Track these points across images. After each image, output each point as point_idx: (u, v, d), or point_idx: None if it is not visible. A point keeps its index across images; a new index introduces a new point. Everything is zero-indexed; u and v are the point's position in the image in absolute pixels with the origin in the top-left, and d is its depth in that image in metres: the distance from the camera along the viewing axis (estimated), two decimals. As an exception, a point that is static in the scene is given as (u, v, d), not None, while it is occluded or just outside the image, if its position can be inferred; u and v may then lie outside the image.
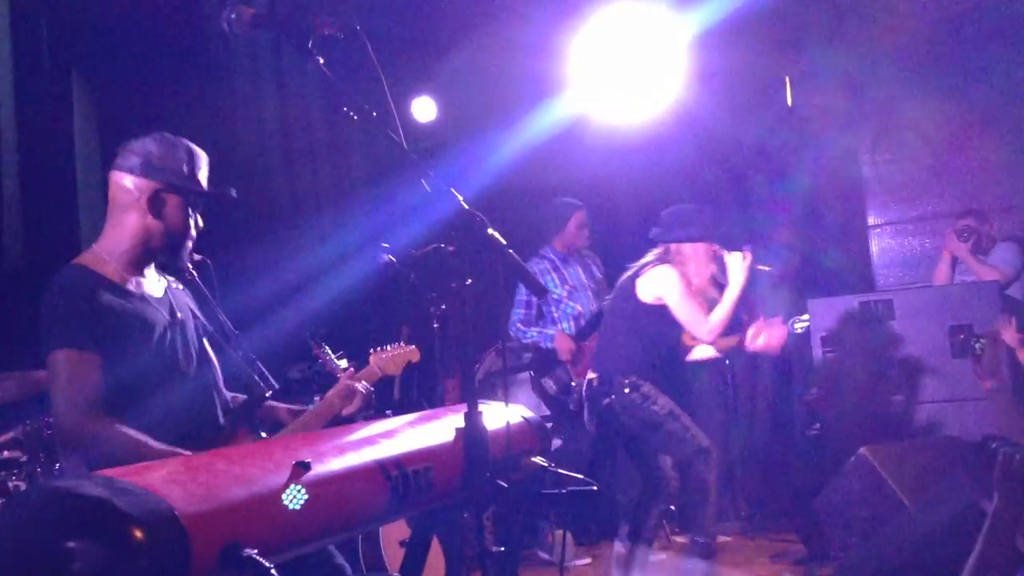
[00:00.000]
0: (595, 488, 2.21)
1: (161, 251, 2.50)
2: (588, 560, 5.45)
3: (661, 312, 4.28)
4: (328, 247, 6.46)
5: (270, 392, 2.66)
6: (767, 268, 4.54)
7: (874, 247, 6.33)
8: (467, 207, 2.12)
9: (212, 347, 2.67)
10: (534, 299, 5.68)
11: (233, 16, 2.20)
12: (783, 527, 5.66)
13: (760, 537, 5.64)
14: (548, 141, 6.25)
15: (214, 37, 5.86)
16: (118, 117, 5.23)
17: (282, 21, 2.25)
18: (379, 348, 3.49)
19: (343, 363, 4.64)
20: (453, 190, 2.12)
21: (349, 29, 2.22)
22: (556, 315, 5.65)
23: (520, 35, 6.18)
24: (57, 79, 5.14)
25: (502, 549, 2.15)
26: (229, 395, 2.69)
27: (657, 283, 4.30)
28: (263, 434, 2.59)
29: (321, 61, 2.21)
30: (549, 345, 5.59)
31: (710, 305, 4.34)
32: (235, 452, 1.94)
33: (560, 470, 2.24)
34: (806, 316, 5.52)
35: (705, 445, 4.19)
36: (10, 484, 4.08)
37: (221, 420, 2.56)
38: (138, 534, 1.41)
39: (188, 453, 2.25)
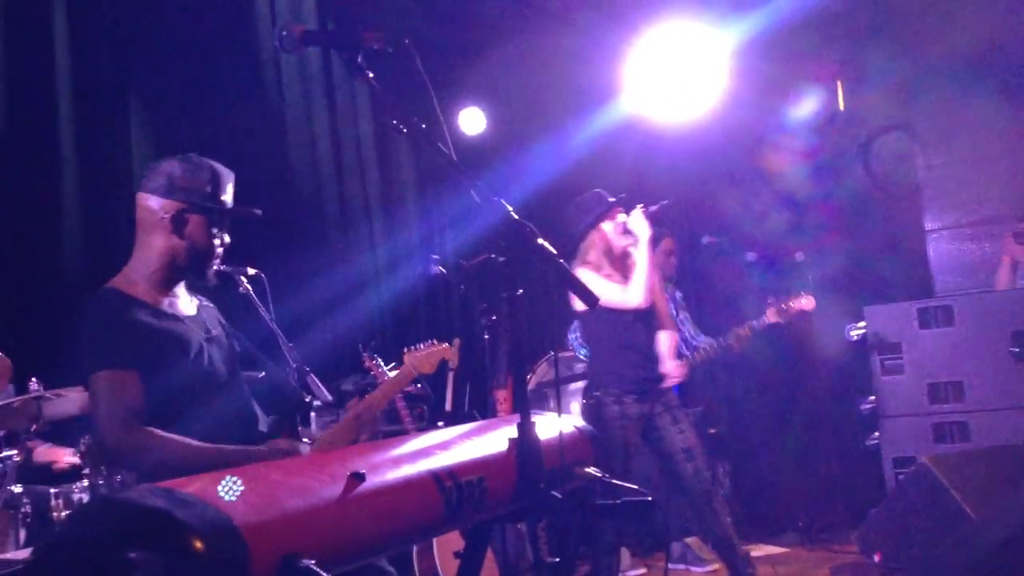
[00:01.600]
0: (649, 499, 2.19)
1: (186, 269, 2.56)
2: (643, 571, 5.42)
3: (599, 312, 4.16)
4: (378, 257, 6.52)
5: (309, 399, 2.71)
6: (656, 207, 4.30)
7: (931, 252, 6.21)
8: (516, 217, 2.12)
9: (255, 360, 2.71)
10: None
11: (284, 33, 2.23)
12: (842, 539, 5.57)
13: (819, 548, 5.56)
14: (595, 149, 6.25)
15: (266, 54, 5.95)
16: (174, 135, 5.33)
17: (331, 37, 2.28)
18: (412, 347, 3.50)
19: (394, 373, 4.67)
20: (502, 200, 2.13)
21: (398, 43, 2.24)
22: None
23: (567, 44, 6.19)
24: (114, 99, 5.26)
25: (556, 560, 2.14)
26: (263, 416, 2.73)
27: (589, 291, 4.22)
28: (305, 440, 2.62)
29: (370, 75, 2.23)
30: None
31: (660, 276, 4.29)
32: (291, 463, 1.96)
33: (614, 480, 2.22)
34: (862, 323, 5.43)
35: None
36: (74, 496, 4.17)
37: (259, 435, 2.59)
38: (198, 545, 1.42)
39: (231, 447, 2.33)
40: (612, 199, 4.25)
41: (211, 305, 2.73)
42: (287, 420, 2.64)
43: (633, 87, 6.12)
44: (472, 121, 6.58)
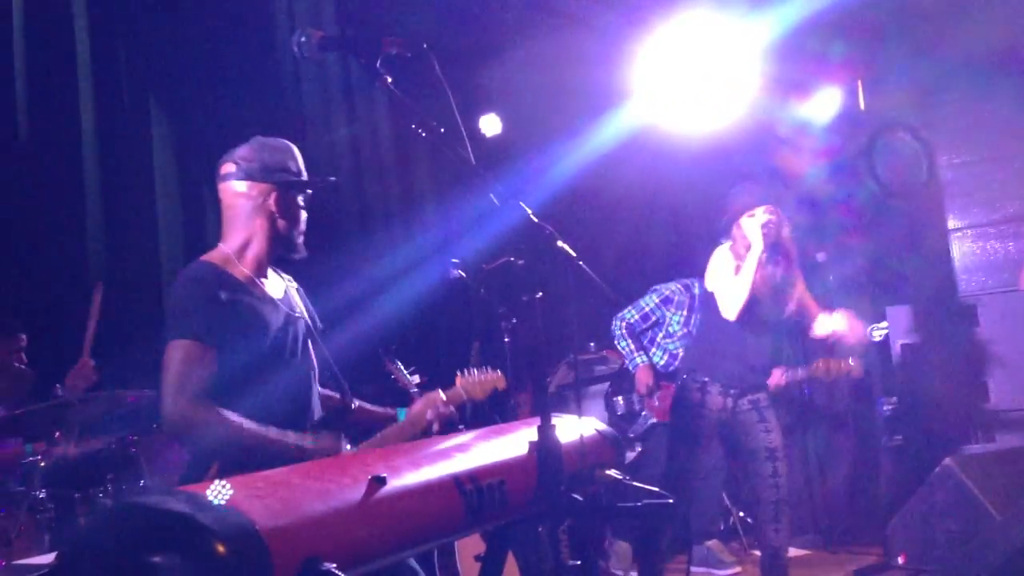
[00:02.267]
0: (671, 501, 2.18)
1: (283, 246, 2.63)
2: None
3: (715, 303, 4.16)
4: (397, 261, 6.53)
5: (355, 404, 2.73)
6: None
7: (955, 252, 6.15)
8: (536, 220, 2.12)
9: (313, 344, 2.75)
10: (652, 315, 5.50)
11: (303, 39, 2.24)
12: (865, 540, 5.53)
13: (842, 551, 5.52)
14: (613, 150, 6.23)
15: (285, 60, 5.99)
16: (194, 139, 5.38)
17: (350, 42, 2.28)
18: (467, 371, 3.48)
19: (415, 378, 4.68)
20: (521, 203, 2.13)
21: (416, 47, 2.24)
22: (659, 341, 5.53)
23: (584, 47, 6.18)
24: (136, 102, 5.31)
25: (578, 563, 2.13)
26: (322, 392, 2.77)
27: (711, 269, 4.20)
28: (345, 442, 2.64)
29: (389, 80, 2.24)
30: (631, 368, 5.52)
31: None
32: (312, 467, 1.96)
33: (635, 483, 2.22)
34: (885, 323, 5.39)
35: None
36: (98, 501, 4.20)
37: (316, 414, 2.63)
38: (220, 548, 1.43)
39: (289, 434, 2.37)
40: (769, 194, 4.15)
41: (297, 286, 2.79)
42: (339, 412, 2.68)
43: (650, 89, 6.10)
44: (490, 124, 6.59)
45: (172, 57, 5.38)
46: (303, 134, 6.09)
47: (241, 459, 2.23)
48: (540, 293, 2.10)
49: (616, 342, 5.60)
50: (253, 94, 5.63)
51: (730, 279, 4.09)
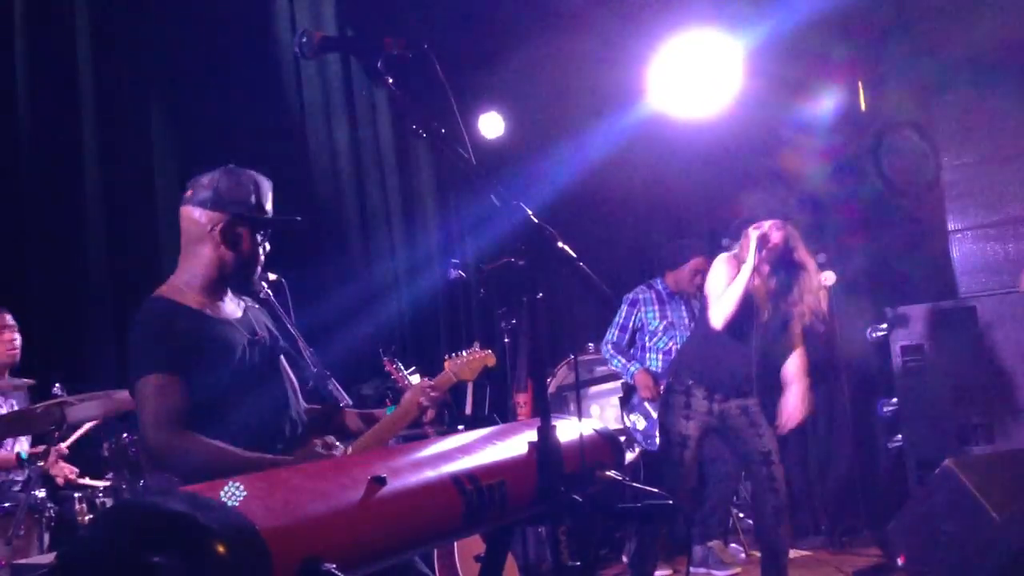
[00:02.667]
0: (671, 502, 2.18)
1: (233, 278, 2.60)
2: (669, 572, 5.40)
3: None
4: (398, 262, 6.54)
5: (344, 404, 2.71)
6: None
7: (955, 253, 6.15)
8: (536, 220, 2.12)
9: (288, 362, 2.73)
10: (630, 324, 5.60)
11: (304, 40, 2.24)
12: (865, 542, 5.53)
13: (842, 552, 5.52)
14: (614, 153, 6.24)
15: (286, 61, 5.99)
16: (195, 141, 5.38)
17: (351, 43, 2.29)
18: (454, 354, 3.49)
19: (415, 378, 4.67)
20: (522, 204, 2.13)
21: (417, 48, 2.24)
22: (648, 346, 5.58)
23: (585, 49, 6.19)
24: (136, 105, 5.31)
25: (578, 564, 2.13)
26: (305, 406, 2.75)
27: (710, 274, 4.22)
28: (337, 444, 2.63)
29: (390, 80, 2.23)
30: (629, 380, 5.53)
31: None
32: (312, 467, 1.96)
33: (635, 483, 2.22)
34: (884, 324, 5.39)
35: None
36: (97, 501, 4.20)
37: (297, 430, 2.61)
38: (220, 549, 1.43)
39: (267, 456, 2.36)
40: (780, 209, 4.16)
41: (257, 306, 2.77)
42: (318, 426, 2.66)
43: (652, 90, 6.11)
44: (491, 125, 6.59)
45: (172, 58, 5.39)
46: (303, 135, 6.09)
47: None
48: (540, 294, 2.09)
49: (609, 365, 5.64)
50: (254, 95, 5.64)
51: (723, 288, 4.09)
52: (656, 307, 5.57)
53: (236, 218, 2.54)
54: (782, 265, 4.15)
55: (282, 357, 2.73)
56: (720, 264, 4.18)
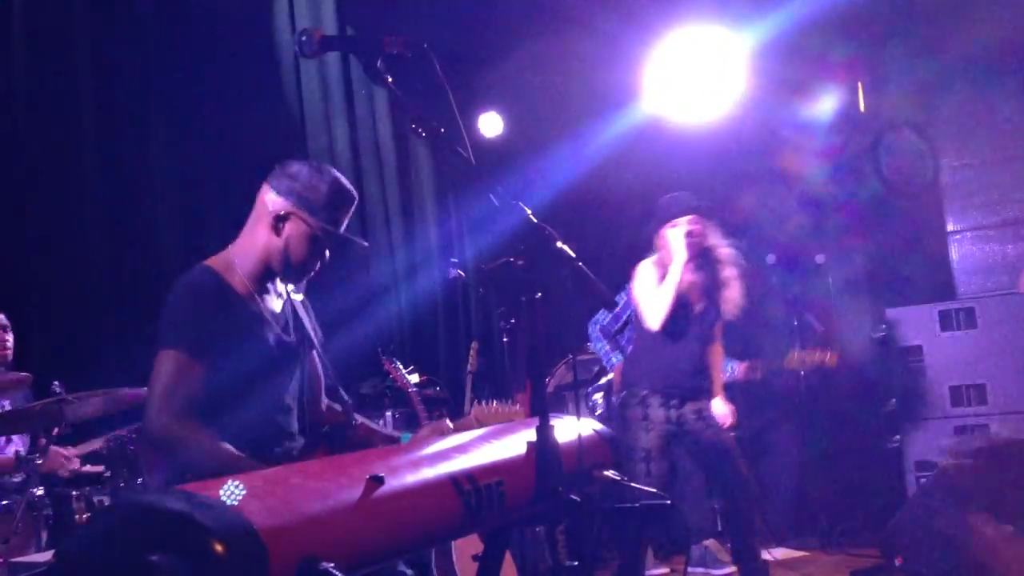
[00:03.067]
0: (668, 502, 2.19)
1: (279, 272, 2.55)
2: (666, 570, 5.40)
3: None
4: (397, 262, 6.53)
5: (359, 421, 2.69)
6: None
7: (954, 254, 6.17)
8: (535, 220, 2.12)
9: (319, 358, 2.72)
10: (625, 315, 5.59)
11: (304, 39, 2.24)
12: (863, 542, 5.53)
13: (839, 552, 5.52)
14: (613, 152, 6.24)
15: (285, 60, 5.98)
16: (194, 140, 5.37)
17: (351, 42, 2.29)
18: (484, 402, 3.42)
19: (414, 378, 4.68)
20: (521, 203, 2.13)
21: (417, 47, 2.24)
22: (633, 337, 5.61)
23: (584, 48, 6.19)
24: (135, 105, 5.30)
25: (575, 563, 2.13)
26: (327, 403, 2.74)
27: (635, 281, 4.22)
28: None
29: (390, 80, 2.23)
30: (609, 368, 5.56)
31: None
32: (311, 467, 1.96)
33: (633, 484, 2.22)
34: (883, 325, 5.40)
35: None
36: (95, 499, 4.20)
37: (297, 436, 2.60)
38: (218, 548, 1.43)
39: (260, 465, 2.29)
40: (693, 205, 4.16)
41: (299, 298, 2.72)
42: (332, 435, 2.64)
43: (652, 90, 6.11)
44: (490, 125, 6.59)
45: (172, 57, 5.38)
46: (302, 135, 6.09)
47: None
48: (539, 293, 2.09)
49: (591, 344, 5.63)
50: (253, 94, 5.63)
51: (653, 290, 4.10)
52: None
53: (295, 212, 2.50)
54: (703, 259, 4.17)
55: (314, 354, 2.70)
56: (645, 269, 4.18)
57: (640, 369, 4.25)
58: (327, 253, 2.58)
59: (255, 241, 2.53)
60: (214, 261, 2.51)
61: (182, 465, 2.30)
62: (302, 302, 2.74)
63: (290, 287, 2.67)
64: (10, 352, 4.47)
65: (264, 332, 2.51)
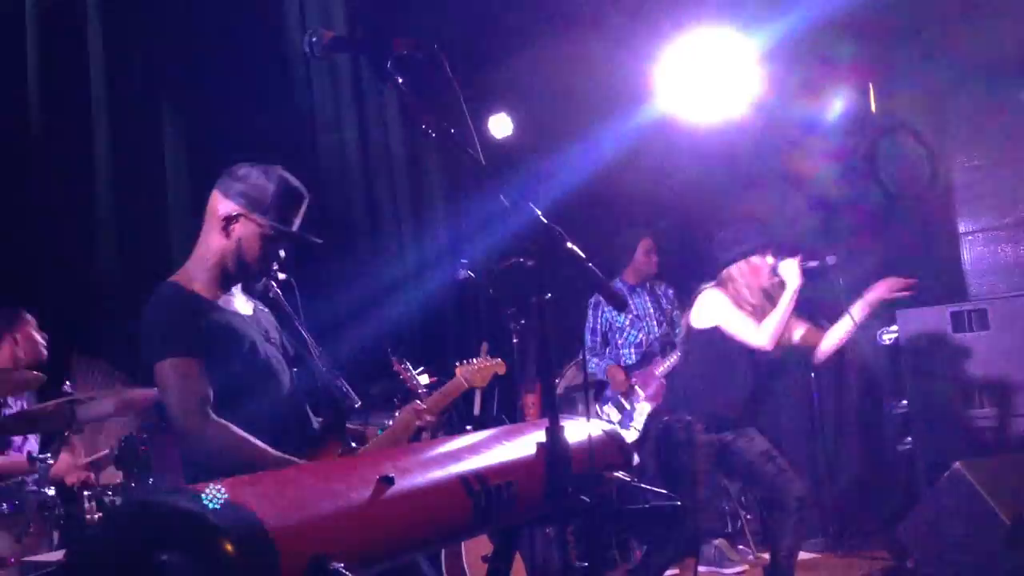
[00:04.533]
0: (678, 504, 2.18)
1: (235, 275, 2.58)
2: (675, 571, 5.39)
3: (719, 335, 4.18)
4: (407, 262, 6.54)
5: (358, 404, 2.71)
6: (815, 264, 4.33)
7: (966, 255, 6.13)
8: (545, 221, 2.12)
9: (297, 364, 2.73)
10: (599, 327, 5.71)
11: (314, 39, 2.24)
12: (874, 544, 5.51)
13: (850, 555, 5.50)
14: (623, 153, 6.23)
15: (296, 60, 6.00)
16: (206, 139, 5.39)
17: (361, 42, 2.28)
18: (465, 361, 3.50)
19: (424, 378, 4.68)
20: (531, 204, 2.13)
21: (426, 48, 2.24)
22: (620, 342, 5.70)
23: (594, 49, 6.18)
24: (148, 105, 5.32)
25: (585, 564, 2.13)
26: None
27: (706, 309, 4.24)
28: (352, 444, 2.63)
29: (399, 80, 2.23)
30: (602, 376, 5.62)
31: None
32: (321, 467, 1.97)
33: (643, 485, 2.21)
34: (895, 327, 5.37)
35: (692, 531, 4.12)
36: (106, 499, 4.21)
37: (307, 431, 2.61)
38: (229, 547, 1.43)
39: (297, 461, 2.33)
40: (768, 238, 4.27)
41: (266, 310, 2.75)
42: (337, 423, 2.65)
43: (662, 91, 6.10)
44: (500, 125, 6.59)
45: (183, 56, 5.40)
46: (313, 135, 6.10)
47: (239, 472, 2.23)
48: (549, 294, 2.09)
49: (584, 366, 5.70)
50: (264, 94, 5.65)
51: (738, 316, 4.12)
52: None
53: (243, 213, 2.52)
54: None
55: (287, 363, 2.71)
56: (716, 297, 4.19)
57: (686, 395, 4.28)
58: (281, 252, 2.60)
59: (209, 247, 2.56)
60: (176, 276, 2.56)
61: (218, 463, 2.31)
62: (268, 312, 2.74)
63: (256, 300, 2.70)
64: (42, 348, 4.49)
65: (244, 328, 2.53)
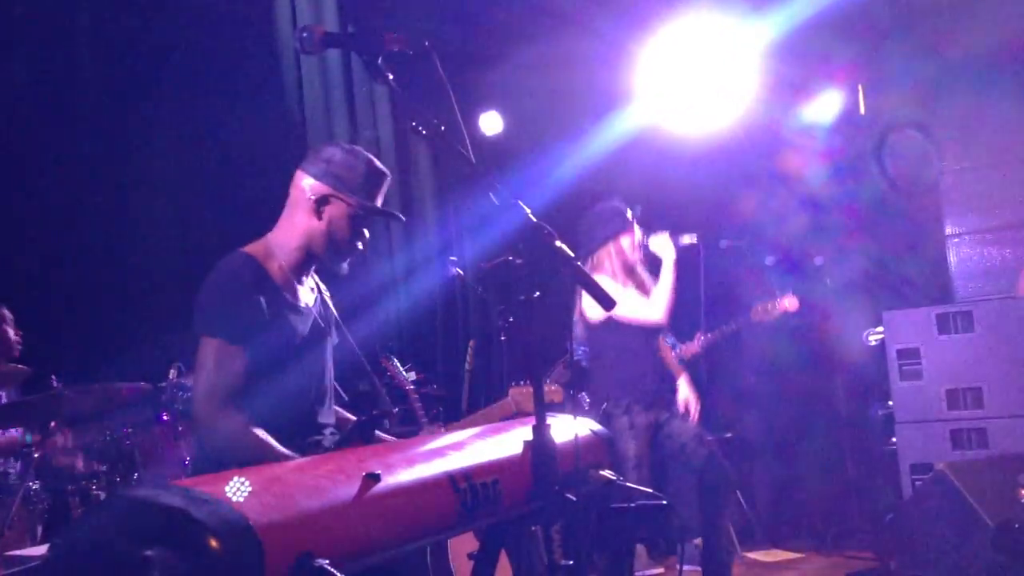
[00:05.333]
0: (664, 502, 2.19)
1: (322, 256, 2.57)
2: (660, 570, 5.41)
3: (616, 324, 4.19)
4: (397, 261, 6.53)
5: (386, 420, 2.70)
6: (690, 241, 4.37)
7: (952, 257, 6.16)
8: (535, 219, 2.12)
9: (356, 362, 2.74)
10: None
11: (305, 35, 2.24)
12: (859, 544, 5.54)
13: (835, 554, 5.53)
14: (613, 151, 6.24)
15: (286, 57, 5.98)
16: (194, 136, 5.37)
17: (352, 39, 2.28)
18: (520, 383, 3.42)
19: (411, 376, 4.68)
20: (520, 203, 2.13)
21: (418, 45, 2.24)
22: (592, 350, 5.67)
23: (586, 48, 6.18)
24: (136, 101, 5.30)
25: (570, 563, 2.13)
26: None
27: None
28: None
29: (391, 77, 2.23)
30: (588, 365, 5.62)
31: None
32: (307, 463, 1.97)
33: (629, 483, 2.22)
34: (880, 328, 5.40)
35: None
36: (91, 493, 4.20)
37: (326, 428, 2.61)
38: (214, 543, 1.43)
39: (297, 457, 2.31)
40: (630, 214, 4.32)
41: (327, 293, 2.75)
42: (365, 427, 2.65)
43: (650, 90, 6.11)
44: (491, 123, 6.59)
45: (172, 53, 5.38)
46: (302, 132, 6.08)
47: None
48: (538, 293, 2.09)
49: (570, 360, 5.70)
50: (253, 92, 5.63)
51: (633, 295, 4.20)
52: None
53: (335, 194, 2.52)
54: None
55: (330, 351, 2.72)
56: (609, 283, 4.20)
57: (615, 378, 4.27)
58: (367, 232, 2.60)
59: (295, 228, 2.54)
60: (253, 248, 2.52)
61: (218, 451, 2.34)
62: (331, 297, 2.76)
63: (322, 285, 2.69)
64: (16, 345, 4.46)
65: (298, 323, 2.53)
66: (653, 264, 4.35)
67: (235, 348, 2.36)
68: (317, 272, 2.69)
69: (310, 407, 2.57)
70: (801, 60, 6.13)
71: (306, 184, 2.53)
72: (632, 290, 4.26)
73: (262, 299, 2.41)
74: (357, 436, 2.40)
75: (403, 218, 2.72)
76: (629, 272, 4.31)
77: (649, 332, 4.25)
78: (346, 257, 2.60)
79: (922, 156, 6.23)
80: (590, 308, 4.26)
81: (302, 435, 2.49)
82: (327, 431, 2.60)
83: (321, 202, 2.52)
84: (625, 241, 4.28)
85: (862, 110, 6.45)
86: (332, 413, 2.67)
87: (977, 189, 6.14)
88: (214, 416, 2.33)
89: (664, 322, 4.21)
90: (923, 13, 6.14)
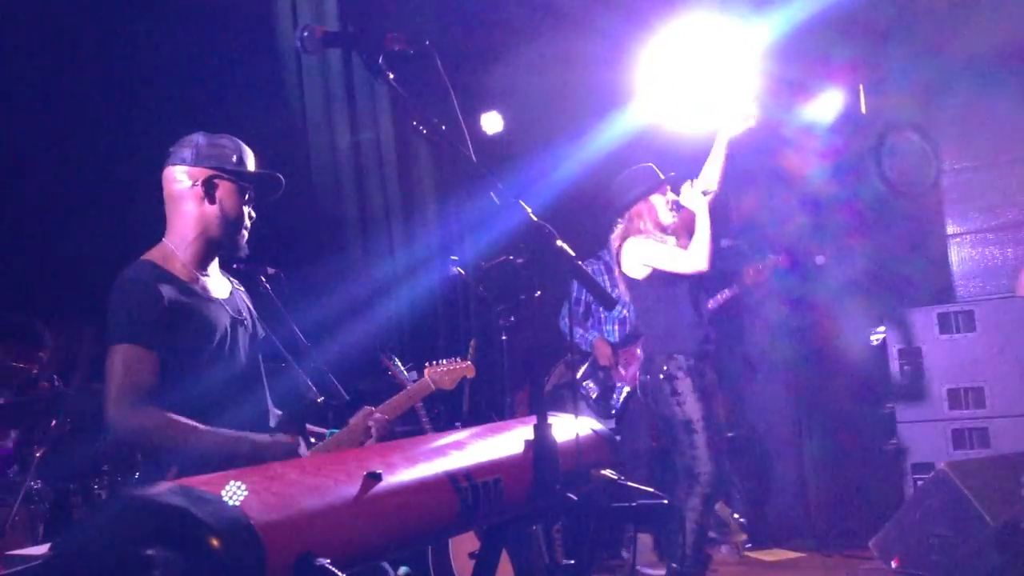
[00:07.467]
0: (665, 501, 2.19)
1: (220, 240, 2.58)
2: (662, 572, 5.40)
3: (662, 277, 4.26)
4: (398, 260, 6.53)
5: (321, 399, 2.71)
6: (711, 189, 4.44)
7: (953, 257, 6.16)
8: (535, 219, 2.12)
9: (279, 354, 2.73)
10: (583, 297, 5.72)
11: (305, 34, 2.24)
12: (859, 544, 5.53)
13: (836, 554, 5.53)
14: (614, 151, 6.23)
15: (287, 56, 5.98)
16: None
17: (353, 38, 2.28)
18: (435, 362, 3.52)
19: (412, 375, 4.67)
20: (521, 202, 2.13)
21: (419, 45, 2.24)
22: (603, 316, 5.69)
23: (587, 48, 6.18)
24: (134, 100, 5.30)
25: (572, 562, 2.13)
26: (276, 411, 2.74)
27: (635, 256, 4.32)
28: (312, 440, 2.64)
29: (391, 77, 2.23)
30: (587, 348, 5.63)
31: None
32: (308, 462, 1.97)
33: (630, 483, 2.22)
34: (882, 328, 5.40)
35: (698, 471, 4.06)
36: (92, 493, 4.20)
37: (272, 421, 2.61)
38: (215, 543, 1.43)
39: (236, 433, 2.35)
40: (662, 175, 4.44)
41: (242, 289, 2.76)
42: (297, 417, 2.65)
43: (651, 89, 6.10)
44: (492, 123, 6.59)
45: (172, 52, 5.38)
46: (304, 132, 6.08)
47: (197, 461, 2.22)
48: (538, 292, 2.09)
49: (568, 336, 5.67)
50: (254, 92, 5.63)
51: (670, 249, 4.26)
52: (606, 276, 5.63)
53: (217, 172, 2.55)
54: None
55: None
56: (640, 243, 4.30)
57: (665, 328, 4.28)
58: (252, 209, 2.63)
59: (187, 221, 2.55)
60: (150, 254, 2.55)
61: (159, 451, 2.33)
62: (244, 292, 2.77)
63: (234, 280, 2.71)
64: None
65: (216, 314, 2.52)
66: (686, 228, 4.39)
67: (142, 351, 2.35)
68: (223, 265, 2.70)
69: (239, 396, 2.55)
70: (801, 60, 6.13)
71: (183, 175, 2.55)
72: (672, 240, 4.32)
73: (165, 299, 2.41)
74: (287, 428, 2.43)
75: (279, 176, 2.69)
76: (662, 230, 4.37)
77: (692, 281, 4.29)
78: (241, 235, 2.61)
79: (922, 156, 6.22)
80: (631, 266, 4.32)
81: (234, 425, 2.47)
82: (272, 417, 2.61)
83: (208, 186, 2.54)
84: (658, 199, 4.38)
85: (863, 110, 6.45)
86: (265, 401, 2.64)
87: (978, 189, 6.15)
88: (127, 417, 2.32)
89: (706, 268, 4.23)
90: (923, 14, 6.14)
